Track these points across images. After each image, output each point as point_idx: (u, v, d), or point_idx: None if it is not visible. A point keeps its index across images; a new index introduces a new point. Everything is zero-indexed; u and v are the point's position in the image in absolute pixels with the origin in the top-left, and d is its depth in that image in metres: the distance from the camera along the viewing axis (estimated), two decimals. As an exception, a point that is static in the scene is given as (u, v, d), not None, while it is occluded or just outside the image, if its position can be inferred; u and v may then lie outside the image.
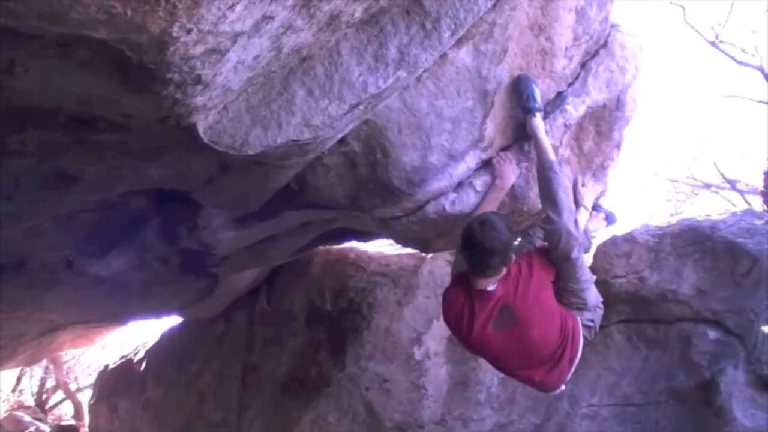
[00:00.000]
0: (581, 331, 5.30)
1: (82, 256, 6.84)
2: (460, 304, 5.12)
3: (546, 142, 5.51)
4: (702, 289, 7.33)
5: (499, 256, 4.85)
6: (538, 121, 5.51)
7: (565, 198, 5.32)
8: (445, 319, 5.36)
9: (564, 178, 5.47)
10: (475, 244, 4.83)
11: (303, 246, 7.88)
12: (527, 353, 5.20)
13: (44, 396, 20.02)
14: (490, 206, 5.44)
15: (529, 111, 5.47)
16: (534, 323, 5.08)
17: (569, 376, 5.37)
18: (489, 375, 8.05)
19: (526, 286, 5.04)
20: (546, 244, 5.34)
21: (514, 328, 5.04)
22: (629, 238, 7.80)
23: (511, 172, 5.60)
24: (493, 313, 5.02)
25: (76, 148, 4.35)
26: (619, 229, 7.99)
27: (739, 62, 15.35)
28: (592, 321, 5.48)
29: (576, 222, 5.38)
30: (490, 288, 4.98)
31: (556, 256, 5.21)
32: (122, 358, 13.20)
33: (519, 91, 5.45)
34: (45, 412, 19.03)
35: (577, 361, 5.31)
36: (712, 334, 7.21)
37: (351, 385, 8.48)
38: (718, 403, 6.85)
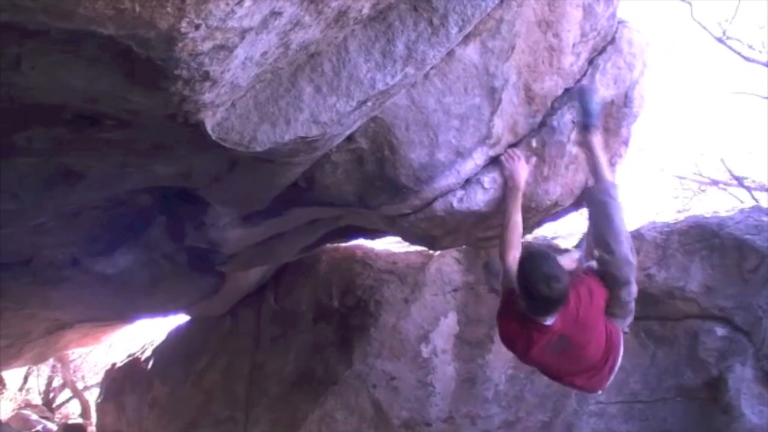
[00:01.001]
0: (622, 341, 5.42)
1: (89, 254, 6.84)
2: (517, 332, 5.24)
3: (604, 161, 5.52)
4: (709, 285, 7.32)
5: (561, 301, 4.95)
6: (596, 139, 5.59)
7: (623, 225, 5.38)
8: (501, 338, 5.49)
9: (620, 203, 5.50)
10: (542, 299, 4.93)
11: (310, 244, 7.88)
12: (576, 366, 5.37)
13: (51, 395, 20.03)
14: (516, 210, 5.52)
15: (587, 128, 5.55)
16: (587, 344, 5.23)
17: (609, 382, 5.50)
18: (497, 372, 8.05)
19: (587, 314, 5.14)
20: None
21: (568, 351, 5.18)
22: (636, 235, 7.77)
23: (521, 170, 5.59)
24: (551, 342, 5.11)
25: (82, 145, 4.34)
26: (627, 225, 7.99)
27: (747, 58, 15.30)
28: (628, 326, 5.58)
29: (632, 247, 5.40)
30: (549, 322, 5.04)
31: (612, 283, 5.23)
32: (129, 356, 13.19)
33: (581, 104, 5.53)
34: (52, 410, 19.03)
35: (617, 368, 5.43)
36: (720, 330, 7.20)
37: (358, 382, 8.47)
38: (726, 400, 6.85)
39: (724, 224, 7.47)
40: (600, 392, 5.73)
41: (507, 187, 5.58)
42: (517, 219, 5.49)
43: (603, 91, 5.98)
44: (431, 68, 4.84)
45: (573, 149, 5.98)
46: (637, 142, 6.66)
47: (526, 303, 5.03)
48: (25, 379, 20.07)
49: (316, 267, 9.52)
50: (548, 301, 4.92)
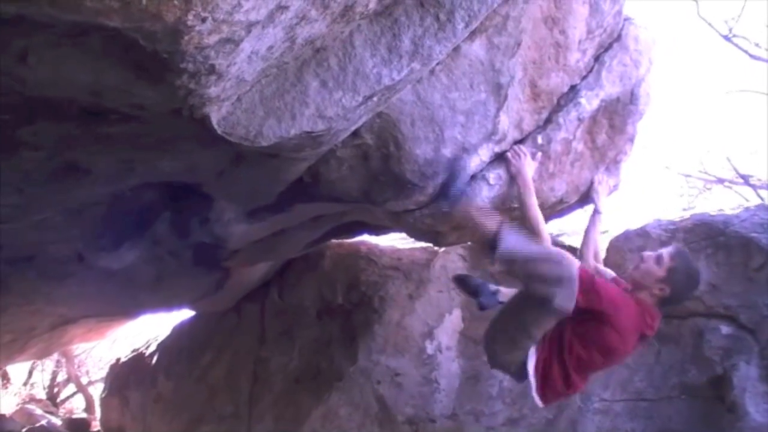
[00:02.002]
0: None
1: (94, 250, 6.84)
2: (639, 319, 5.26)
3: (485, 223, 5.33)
4: (715, 284, 7.29)
5: None
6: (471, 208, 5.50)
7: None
8: (620, 327, 5.17)
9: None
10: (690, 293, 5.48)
11: (315, 239, 7.88)
12: None
13: (56, 389, 20.07)
14: (533, 207, 5.40)
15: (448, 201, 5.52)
16: None
17: None
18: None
19: None
20: None
21: None
22: (642, 233, 7.76)
23: (527, 167, 5.55)
24: None
25: (87, 140, 4.34)
26: (632, 223, 7.98)
27: (753, 56, 15.28)
28: None
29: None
30: None
31: None
32: (133, 351, 13.22)
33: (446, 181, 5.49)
34: (56, 405, 19.07)
35: None
36: (725, 329, 7.18)
37: (362, 378, 8.47)
38: (731, 399, 6.83)
39: (730, 222, 7.44)
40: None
41: (518, 185, 5.55)
42: (538, 213, 5.38)
43: (609, 88, 5.98)
44: (437, 64, 4.84)
45: (578, 146, 5.98)
46: (643, 139, 6.65)
47: (676, 294, 5.18)
48: (30, 373, 20.12)
49: (320, 263, 9.52)
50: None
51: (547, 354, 5.10)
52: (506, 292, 5.90)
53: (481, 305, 6.13)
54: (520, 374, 5.18)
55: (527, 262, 4.90)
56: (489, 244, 5.06)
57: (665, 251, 5.21)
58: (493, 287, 6.13)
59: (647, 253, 5.28)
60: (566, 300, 4.73)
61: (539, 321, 5.03)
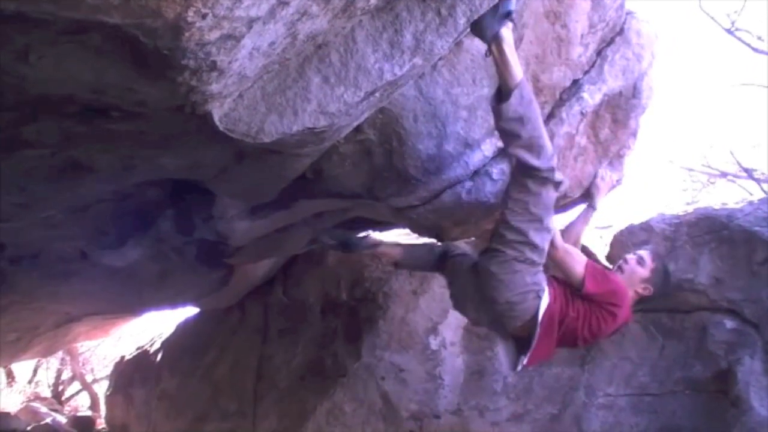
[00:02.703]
0: None
1: (97, 247, 6.85)
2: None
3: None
4: (718, 278, 7.30)
5: None
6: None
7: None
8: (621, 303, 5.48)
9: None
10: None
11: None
12: None
13: (60, 387, 20.06)
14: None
15: (508, 16, 4.68)
16: None
17: None
18: (505, 365, 8.04)
19: None
20: None
21: None
22: (646, 227, 7.77)
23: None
24: None
25: (90, 137, 4.33)
26: (636, 218, 7.98)
27: (756, 50, 15.25)
28: None
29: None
30: None
31: None
32: (138, 349, 13.23)
33: None
34: (61, 403, 19.06)
35: None
36: (729, 323, 7.20)
37: (367, 374, 8.48)
38: (735, 393, 6.84)
39: (733, 216, 7.45)
40: None
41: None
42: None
43: (611, 82, 5.98)
44: (439, 59, 4.84)
45: (581, 141, 5.97)
46: (646, 133, 6.64)
47: (658, 293, 5.57)
48: (35, 371, 20.11)
49: (324, 259, 9.53)
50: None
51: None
52: (376, 239, 6.10)
53: (352, 245, 6.37)
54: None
55: (533, 130, 4.85)
56: (501, 91, 4.88)
57: (645, 253, 5.64)
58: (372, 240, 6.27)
59: (629, 256, 5.64)
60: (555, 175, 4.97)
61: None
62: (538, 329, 5.12)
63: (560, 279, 5.40)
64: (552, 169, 4.91)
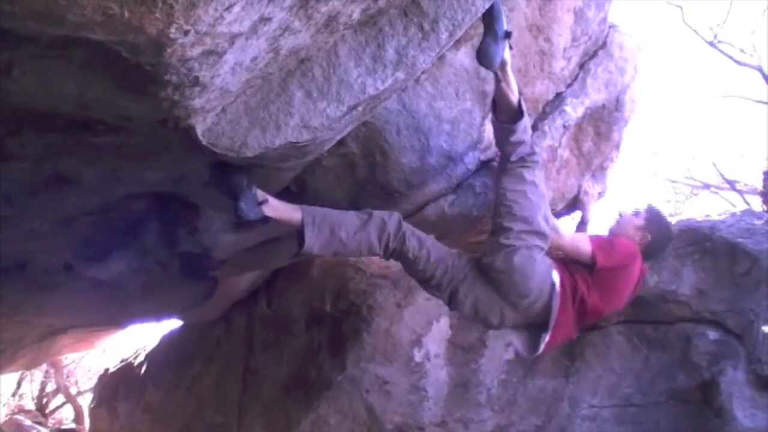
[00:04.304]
0: None
1: (82, 260, 6.84)
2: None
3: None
4: (702, 289, 7.33)
5: None
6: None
7: None
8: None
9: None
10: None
11: (303, 249, 7.87)
12: None
13: (45, 400, 20.02)
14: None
15: (508, 37, 4.84)
16: None
17: None
18: (489, 377, 8.05)
19: None
20: None
21: None
22: (629, 239, 7.80)
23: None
24: None
25: (74, 150, 4.34)
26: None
27: (738, 62, 15.37)
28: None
29: None
30: None
31: None
32: (122, 361, 13.21)
33: (494, 15, 4.77)
34: (45, 416, 19.03)
35: None
36: (712, 334, 7.22)
37: (351, 387, 8.47)
38: (719, 404, 6.86)
39: (716, 228, 7.48)
40: None
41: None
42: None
43: (594, 95, 6.01)
44: (422, 73, 4.86)
45: (564, 153, 6.00)
46: (629, 146, 6.70)
47: (657, 241, 5.67)
48: (19, 384, 20.07)
49: (308, 272, 9.51)
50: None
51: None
52: (277, 206, 5.04)
53: (240, 213, 4.94)
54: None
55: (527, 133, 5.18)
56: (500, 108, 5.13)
57: (640, 208, 5.80)
58: (260, 195, 4.97)
59: (623, 211, 5.81)
60: None
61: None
62: (556, 304, 5.20)
63: (554, 256, 5.43)
64: (536, 152, 5.22)
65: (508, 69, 4.89)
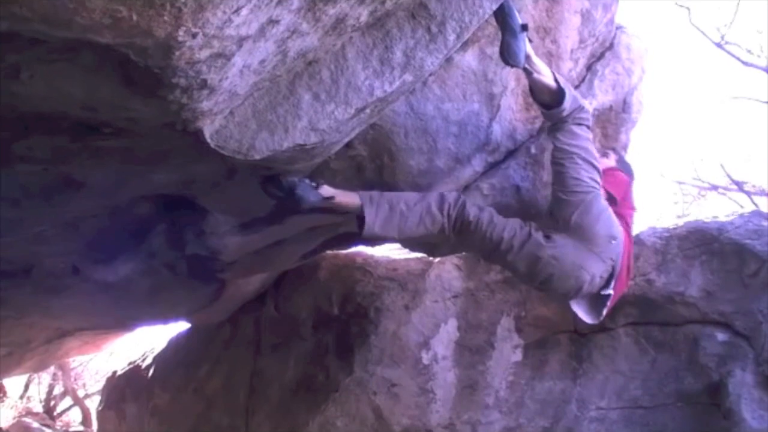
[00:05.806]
0: None
1: (89, 263, 6.84)
2: None
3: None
4: (709, 290, 7.31)
5: None
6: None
7: None
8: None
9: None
10: None
11: (310, 251, 7.87)
12: None
13: (52, 402, 20.01)
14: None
15: (524, 29, 4.89)
16: None
17: None
18: (497, 379, 8.04)
19: None
20: None
21: None
22: (636, 241, 7.74)
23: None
24: None
25: (81, 153, 4.34)
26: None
27: (745, 63, 15.32)
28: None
29: None
30: None
31: None
32: (130, 364, 13.18)
33: (506, 11, 4.79)
34: (53, 418, 19.01)
35: None
36: (720, 336, 7.20)
37: (359, 389, 8.46)
38: (727, 405, 6.84)
39: (724, 229, 7.46)
40: None
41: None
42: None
43: (601, 97, 6.00)
44: (430, 75, 4.85)
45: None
46: (636, 147, 6.71)
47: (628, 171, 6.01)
48: (26, 387, 20.06)
49: (316, 274, 9.51)
50: None
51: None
52: (332, 190, 5.16)
53: (300, 200, 5.07)
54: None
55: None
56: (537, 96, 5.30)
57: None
58: (311, 182, 5.09)
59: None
60: None
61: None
62: (621, 250, 5.35)
63: None
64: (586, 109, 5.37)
65: (534, 59, 4.94)
